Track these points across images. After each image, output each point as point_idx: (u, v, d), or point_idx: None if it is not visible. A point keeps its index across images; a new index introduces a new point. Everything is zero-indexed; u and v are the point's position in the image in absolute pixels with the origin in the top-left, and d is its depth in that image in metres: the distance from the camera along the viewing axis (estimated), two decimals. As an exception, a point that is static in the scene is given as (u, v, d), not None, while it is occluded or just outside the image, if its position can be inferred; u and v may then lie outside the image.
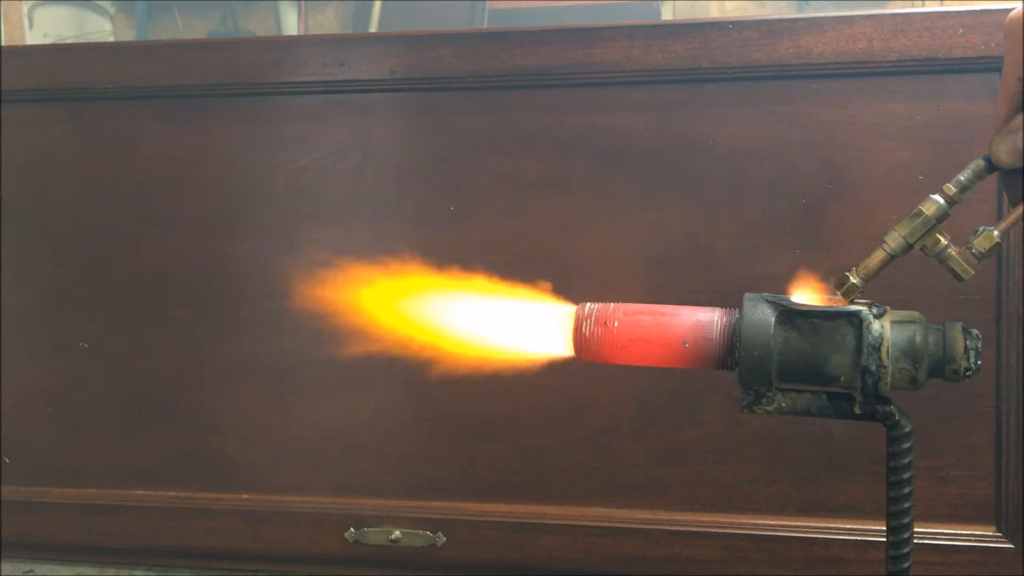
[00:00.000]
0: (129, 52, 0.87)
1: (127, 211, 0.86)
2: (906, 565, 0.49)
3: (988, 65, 0.72)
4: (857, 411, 0.47)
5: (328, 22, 2.83)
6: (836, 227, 0.75)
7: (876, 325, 0.46)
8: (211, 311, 0.85)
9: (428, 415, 0.83)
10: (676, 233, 0.78)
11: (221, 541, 0.86)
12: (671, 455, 0.79)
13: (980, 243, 0.48)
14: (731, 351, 0.48)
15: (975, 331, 0.47)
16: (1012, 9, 0.48)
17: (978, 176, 0.49)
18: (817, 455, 0.77)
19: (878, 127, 0.74)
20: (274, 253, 0.84)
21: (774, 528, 0.78)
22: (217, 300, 0.85)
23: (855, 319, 0.46)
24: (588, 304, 0.50)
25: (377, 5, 2.64)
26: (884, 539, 0.49)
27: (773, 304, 0.47)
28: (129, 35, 2.82)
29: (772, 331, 0.47)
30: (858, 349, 0.46)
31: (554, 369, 0.55)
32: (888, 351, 0.46)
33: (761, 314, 0.47)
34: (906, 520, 0.49)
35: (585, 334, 0.49)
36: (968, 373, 0.46)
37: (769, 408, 0.48)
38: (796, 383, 0.48)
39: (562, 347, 0.51)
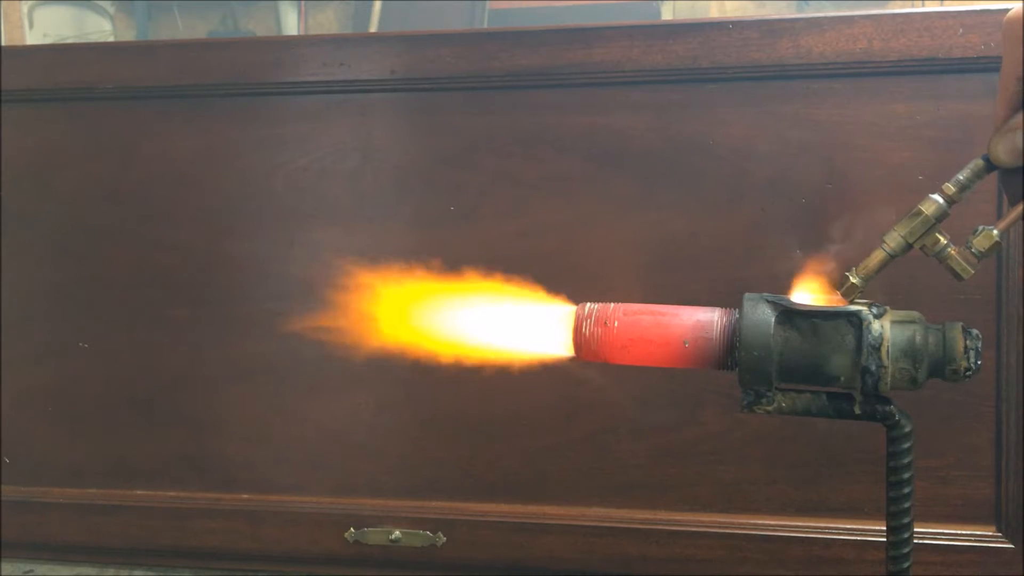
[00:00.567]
0: (129, 52, 0.87)
1: (127, 211, 0.86)
2: (906, 565, 0.49)
3: (988, 65, 0.72)
4: (857, 411, 0.47)
5: (328, 22, 2.83)
6: (836, 227, 0.75)
7: (876, 325, 0.46)
8: (211, 311, 0.85)
9: (428, 415, 0.83)
10: (676, 233, 0.78)
11: (221, 541, 0.86)
12: (671, 455, 0.79)
13: (980, 242, 0.48)
14: (731, 351, 0.48)
15: (975, 331, 0.47)
16: (1011, 9, 0.48)
17: (977, 176, 0.49)
18: (817, 455, 0.77)
19: (878, 127, 0.74)
20: (274, 253, 0.84)
21: (774, 528, 0.78)
22: (217, 300, 0.85)
23: (855, 319, 0.46)
24: (588, 304, 0.50)
25: (377, 5, 2.64)
26: (884, 539, 0.49)
27: (773, 304, 0.47)
28: (129, 35, 2.82)
29: (772, 331, 0.47)
30: (858, 349, 0.46)
31: (554, 369, 0.55)
32: (888, 351, 0.46)
33: (761, 314, 0.47)
34: (906, 520, 0.49)
35: (585, 334, 0.49)
36: (968, 373, 0.46)
37: (769, 408, 0.48)
38: (796, 383, 0.48)
39: (562, 347, 0.51)
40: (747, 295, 0.48)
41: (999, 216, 0.71)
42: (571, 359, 0.51)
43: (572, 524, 0.80)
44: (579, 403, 0.80)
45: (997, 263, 0.73)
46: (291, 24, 2.79)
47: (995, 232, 0.48)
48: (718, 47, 0.75)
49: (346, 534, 0.83)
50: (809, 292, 0.51)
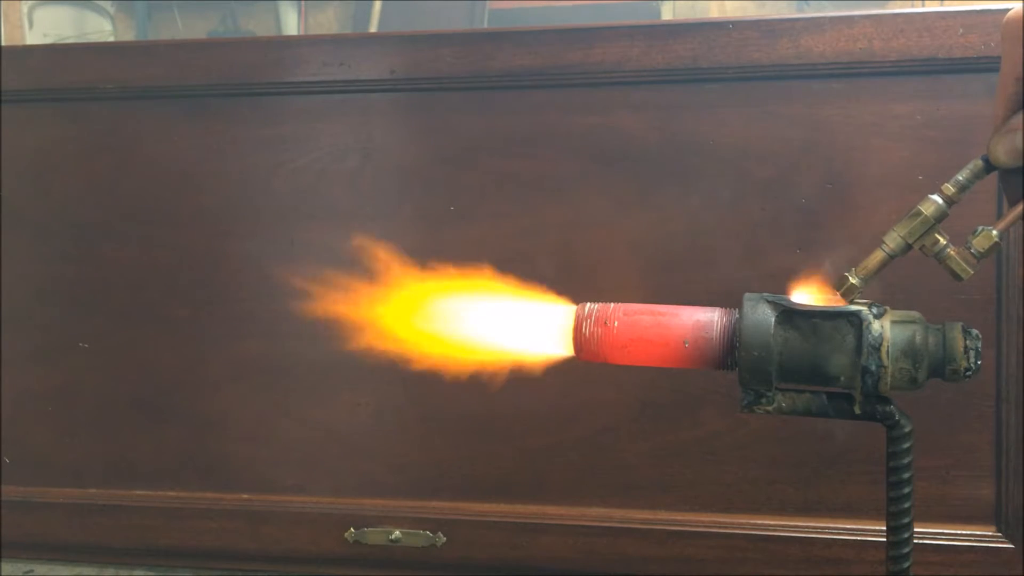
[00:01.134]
0: (129, 52, 0.87)
1: (127, 211, 0.86)
2: (906, 565, 0.49)
3: (988, 65, 0.72)
4: (857, 411, 0.47)
5: (328, 22, 2.83)
6: (836, 227, 0.75)
7: (876, 325, 0.46)
8: (211, 311, 0.85)
9: (428, 415, 0.83)
10: (676, 233, 0.78)
11: (221, 541, 0.86)
12: (671, 455, 0.79)
13: (979, 243, 0.48)
14: (731, 351, 0.48)
15: (975, 331, 0.47)
16: (1011, 9, 0.48)
17: (976, 176, 0.49)
18: (817, 455, 0.77)
19: (878, 127, 0.74)
20: (274, 253, 0.84)
21: (774, 528, 0.78)
22: (217, 300, 0.85)
23: (855, 319, 0.46)
24: (588, 304, 0.50)
25: (377, 5, 2.64)
26: (884, 539, 0.49)
27: (773, 304, 0.47)
28: (129, 35, 2.82)
29: (772, 331, 0.47)
30: (858, 349, 0.46)
31: (554, 369, 0.55)
32: (888, 351, 0.46)
33: (761, 314, 0.47)
34: (906, 520, 0.49)
35: (585, 334, 0.49)
36: (968, 373, 0.46)
37: (769, 408, 0.48)
38: (796, 383, 0.48)
39: (562, 347, 0.51)
40: (747, 295, 0.48)
41: (999, 216, 0.71)
42: (571, 359, 0.51)
43: (572, 524, 0.80)
44: (579, 403, 0.80)
45: (997, 263, 0.73)
46: (291, 24, 2.79)
47: (994, 232, 0.48)
48: (718, 47, 0.75)
49: (346, 534, 0.83)
50: (809, 292, 0.51)
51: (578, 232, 0.79)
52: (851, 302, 0.48)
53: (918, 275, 0.72)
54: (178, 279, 0.85)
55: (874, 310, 0.47)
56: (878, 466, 0.51)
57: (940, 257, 0.49)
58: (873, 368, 0.46)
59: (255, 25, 2.86)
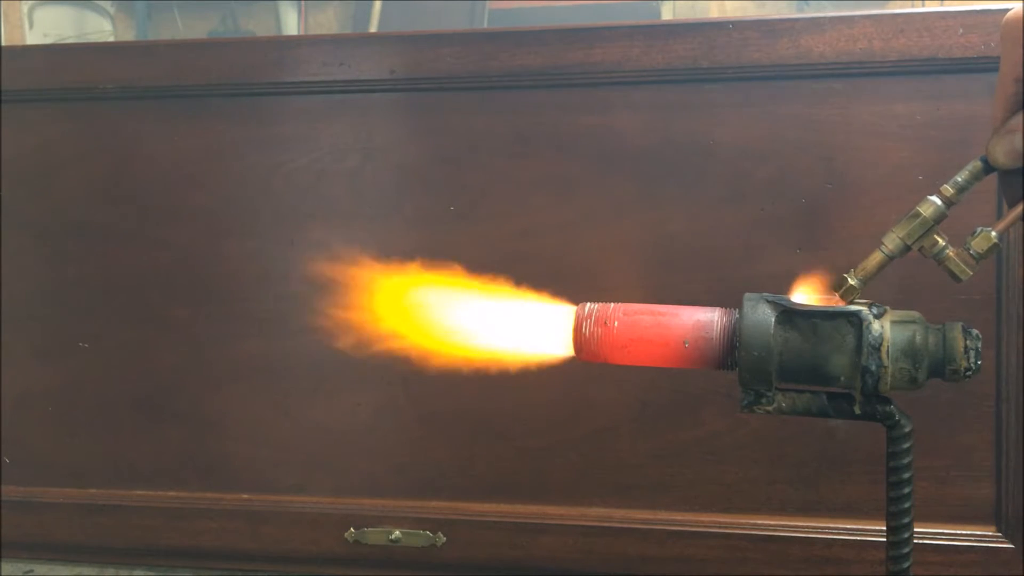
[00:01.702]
0: (129, 52, 0.87)
1: (127, 211, 0.86)
2: (906, 565, 0.49)
3: (988, 65, 0.72)
4: (857, 411, 0.47)
5: (328, 22, 2.83)
6: (836, 227, 0.75)
7: (876, 325, 0.46)
8: (211, 311, 0.85)
9: (428, 415, 0.83)
10: (676, 233, 0.78)
11: (221, 541, 0.86)
12: (671, 455, 0.79)
13: (978, 244, 0.48)
14: (731, 351, 0.48)
15: (975, 331, 0.47)
16: (1010, 9, 0.48)
17: (975, 177, 0.49)
18: (817, 455, 0.77)
19: (878, 127, 0.74)
20: (274, 253, 0.84)
21: (774, 528, 0.78)
22: (217, 300, 0.85)
23: (855, 319, 0.46)
24: (588, 304, 0.50)
25: (377, 5, 2.64)
26: (884, 539, 0.49)
27: (773, 304, 0.47)
28: (129, 35, 2.82)
29: (772, 331, 0.47)
30: (858, 349, 0.46)
31: (554, 369, 0.55)
32: (888, 351, 0.46)
33: (761, 314, 0.47)
34: (906, 520, 0.49)
35: (585, 334, 0.49)
36: (968, 373, 0.46)
37: (769, 408, 0.48)
38: (796, 383, 0.48)
39: (562, 347, 0.51)
40: (747, 295, 0.48)
41: (998, 217, 0.71)
42: (571, 359, 0.51)
43: (572, 524, 0.80)
44: (579, 403, 0.80)
45: (997, 263, 0.73)
46: (291, 24, 2.79)
47: (993, 233, 0.48)
48: (718, 47, 0.75)
49: (346, 534, 0.83)
50: (808, 294, 0.51)
51: (578, 232, 0.79)
52: (850, 303, 0.48)
53: (918, 275, 0.72)
54: (178, 279, 0.85)
55: (874, 310, 0.47)
56: (878, 466, 0.51)
57: (939, 258, 0.49)
58: (873, 368, 0.46)
59: (255, 25, 2.86)
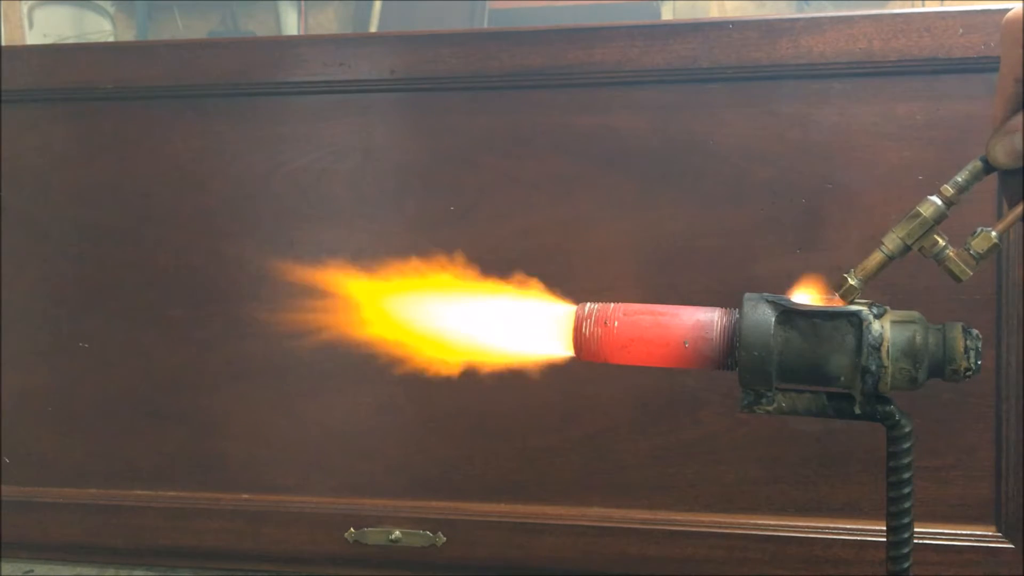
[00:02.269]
0: (129, 52, 0.87)
1: (127, 211, 0.86)
2: (906, 565, 0.49)
3: (988, 65, 0.72)
4: (857, 411, 0.47)
5: (328, 22, 2.83)
6: (836, 227, 0.75)
7: (876, 325, 0.46)
8: (211, 311, 0.85)
9: (428, 415, 0.83)
10: (676, 233, 0.78)
11: (221, 541, 0.86)
12: (671, 455, 0.79)
13: (978, 244, 0.48)
14: (731, 351, 0.48)
15: (975, 331, 0.47)
16: (1011, 9, 0.48)
17: (975, 177, 0.49)
18: (817, 455, 0.77)
19: (878, 127, 0.74)
20: (274, 253, 0.84)
21: (774, 528, 0.78)
22: (217, 300, 0.85)
23: (855, 319, 0.46)
24: (588, 304, 0.50)
25: (377, 5, 2.64)
26: (884, 539, 0.49)
27: (773, 304, 0.47)
28: (129, 35, 2.82)
29: (772, 331, 0.47)
30: (858, 349, 0.46)
31: (554, 369, 0.55)
32: (888, 351, 0.46)
33: (761, 314, 0.47)
34: (906, 520, 0.49)
35: (585, 334, 0.49)
36: (968, 373, 0.46)
37: (769, 408, 0.48)
38: (796, 383, 0.48)
39: (562, 347, 0.51)
40: (747, 295, 0.48)
41: (998, 217, 0.71)
42: (571, 359, 0.51)
43: (572, 524, 0.80)
44: (579, 403, 0.80)
45: (997, 263, 0.73)
46: (291, 24, 2.79)
47: (993, 234, 0.48)
48: (718, 47, 0.75)
49: (346, 534, 0.83)
50: (808, 294, 0.51)
51: (578, 232, 0.79)
52: (850, 303, 0.48)
53: (918, 275, 0.72)
54: (178, 279, 0.85)
55: (874, 310, 0.47)
56: (878, 466, 0.51)
57: (939, 258, 0.49)
58: (873, 368, 0.46)
59: (255, 25, 2.86)
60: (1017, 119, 0.47)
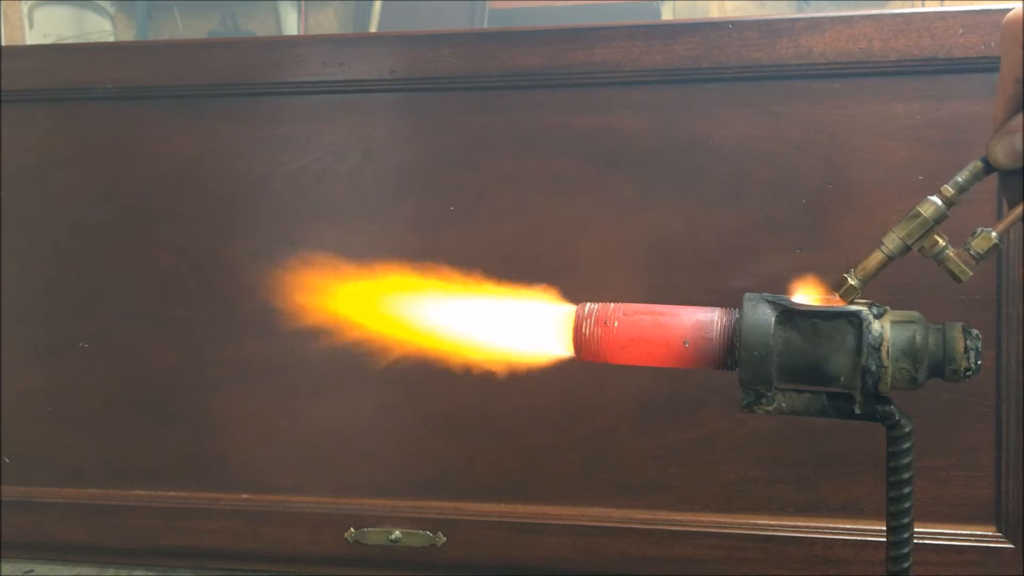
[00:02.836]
0: (129, 52, 0.87)
1: (127, 211, 0.86)
2: (906, 565, 0.49)
3: (988, 65, 0.72)
4: (857, 411, 0.47)
5: (328, 22, 2.83)
6: (836, 227, 0.75)
7: (876, 325, 0.46)
8: (211, 311, 0.85)
9: (428, 415, 0.83)
10: (676, 233, 0.78)
11: (221, 541, 0.86)
12: (671, 455, 0.79)
13: (978, 244, 0.48)
14: (731, 351, 0.48)
15: (975, 331, 0.47)
16: (1011, 9, 0.48)
17: (976, 177, 0.49)
18: (817, 455, 0.77)
19: (878, 127, 0.74)
20: (274, 253, 0.83)
21: (774, 528, 0.78)
22: (217, 300, 0.85)
23: (855, 319, 0.46)
24: (588, 304, 0.50)
25: (377, 5, 2.64)
26: (884, 539, 0.49)
27: (773, 304, 0.47)
28: (129, 35, 2.82)
29: (772, 331, 0.47)
30: (858, 349, 0.46)
31: (554, 369, 0.55)
32: (888, 351, 0.46)
33: (761, 314, 0.47)
34: (906, 520, 0.49)
35: (585, 334, 0.49)
36: (968, 373, 0.46)
37: (769, 408, 0.48)
38: (796, 383, 0.48)
39: (562, 347, 0.51)
40: (747, 295, 0.48)
41: (998, 217, 0.71)
42: (571, 359, 0.51)
43: (572, 524, 0.80)
44: (579, 403, 0.80)
45: (997, 263, 0.73)
46: (291, 24, 2.79)
47: (993, 234, 0.48)
48: (718, 47, 0.75)
49: (346, 534, 0.83)
50: (808, 294, 0.51)
51: (578, 232, 0.79)
52: (850, 303, 0.48)
53: (918, 275, 0.72)
54: (178, 279, 0.85)
55: (874, 310, 0.47)
56: (878, 466, 0.51)
57: (939, 259, 0.49)
58: (873, 368, 0.46)
59: (255, 25, 2.86)
60: (1017, 119, 0.47)
